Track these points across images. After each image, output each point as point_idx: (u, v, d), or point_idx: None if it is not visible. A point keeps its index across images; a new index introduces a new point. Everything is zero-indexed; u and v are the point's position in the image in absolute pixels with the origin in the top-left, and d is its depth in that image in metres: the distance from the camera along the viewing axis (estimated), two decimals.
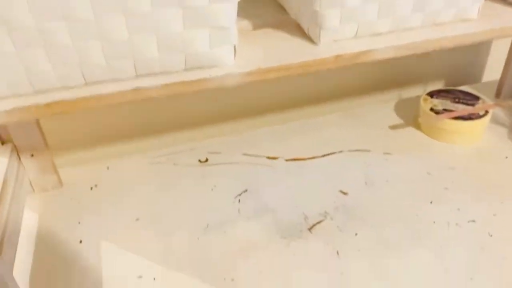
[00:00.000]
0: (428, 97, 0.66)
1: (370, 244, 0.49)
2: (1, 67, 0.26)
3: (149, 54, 0.29)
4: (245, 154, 0.63)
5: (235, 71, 0.33)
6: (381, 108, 0.71)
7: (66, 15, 0.27)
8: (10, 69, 0.27)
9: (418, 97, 0.67)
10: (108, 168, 0.61)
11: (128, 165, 0.61)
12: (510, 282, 0.45)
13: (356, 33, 0.41)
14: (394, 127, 0.67)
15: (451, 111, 0.63)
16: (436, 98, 0.65)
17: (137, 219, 0.53)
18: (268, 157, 0.62)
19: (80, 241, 0.50)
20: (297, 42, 0.40)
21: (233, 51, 0.35)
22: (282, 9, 0.48)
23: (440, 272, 0.46)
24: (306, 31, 0.41)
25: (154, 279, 0.46)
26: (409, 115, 0.68)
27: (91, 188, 0.58)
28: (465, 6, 0.44)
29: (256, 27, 0.42)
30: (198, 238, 0.50)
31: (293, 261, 0.48)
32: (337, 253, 0.48)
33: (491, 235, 0.50)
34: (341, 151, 0.62)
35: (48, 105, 0.28)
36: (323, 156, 0.62)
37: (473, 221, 0.51)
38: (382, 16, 0.40)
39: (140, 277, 0.46)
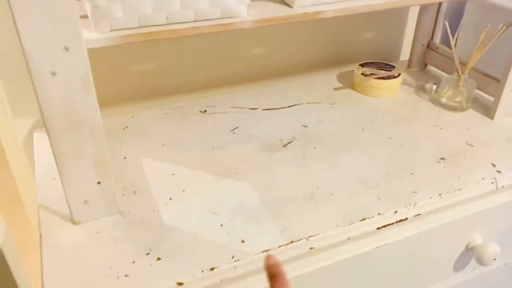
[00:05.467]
0: (360, 67, 0.93)
1: (323, 151, 0.74)
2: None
3: (203, 6, 0.52)
4: (232, 107, 0.86)
5: (248, 19, 0.56)
6: (328, 78, 0.97)
7: None
8: (128, 12, 0.49)
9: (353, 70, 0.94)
10: (133, 116, 0.82)
11: (147, 115, 0.83)
12: (405, 164, 0.71)
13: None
14: (337, 88, 0.93)
15: (375, 74, 0.90)
16: (365, 67, 0.92)
17: (163, 145, 0.75)
18: (250, 108, 0.86)
19: (125, 157, 0.71)
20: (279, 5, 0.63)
21: (247, 7, 0.57)
22: None
23: (369, 164, 0.71)
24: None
25: (183, 174, 0.68)
26: (347, 81, 0.95)
27: (123, 128, 0.79)
28: None
29: None
30: (208, 153, 0.73)
31: (274, 163, 0.71)
32: (303, 157, 0.72)
33: (401, 145, 0.76)
34: (301, 103, 0.88)
35: (146, 33, 0.51)
36: (289, 106, 0.87)
37: (390, 138, 0.78)
38: None
39: (173, 174, 0.68)
